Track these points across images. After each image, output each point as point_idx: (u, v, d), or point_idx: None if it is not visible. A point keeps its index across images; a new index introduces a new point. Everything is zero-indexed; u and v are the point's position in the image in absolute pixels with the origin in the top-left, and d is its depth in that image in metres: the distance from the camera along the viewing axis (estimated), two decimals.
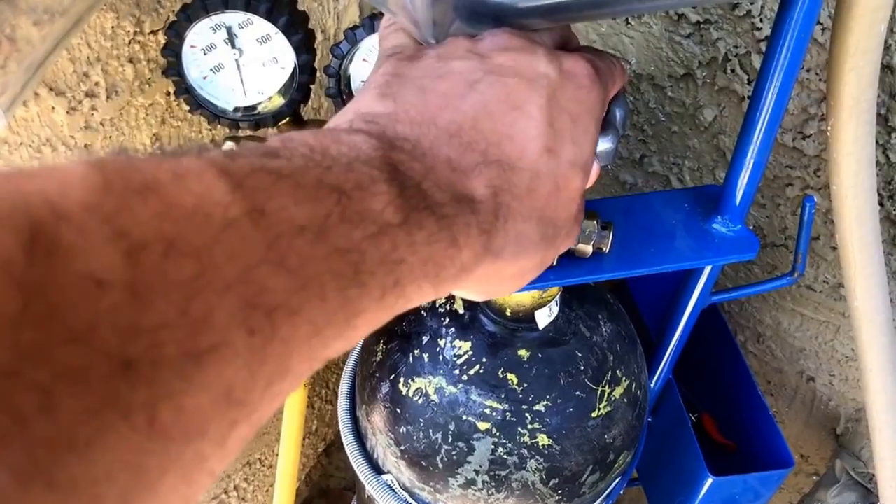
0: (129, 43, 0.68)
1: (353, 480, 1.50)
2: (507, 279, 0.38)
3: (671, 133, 0.82)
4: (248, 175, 0.24)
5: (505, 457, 0.67)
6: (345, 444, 0.79)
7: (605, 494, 0.76)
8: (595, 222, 0.61)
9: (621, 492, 0.80)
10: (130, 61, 0.69)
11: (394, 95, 0.34)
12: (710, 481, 0.79)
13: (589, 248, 0.61)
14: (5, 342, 0.17)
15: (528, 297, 0.65)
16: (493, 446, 0.67)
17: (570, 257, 0.62)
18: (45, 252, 0.18)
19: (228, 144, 0.63)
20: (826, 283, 0.84)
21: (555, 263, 0.62)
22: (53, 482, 0.18)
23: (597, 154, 0.47)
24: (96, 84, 0.67)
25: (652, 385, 0.83)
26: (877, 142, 0.71)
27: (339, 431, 1.42)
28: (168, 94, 0.74)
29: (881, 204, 0.74)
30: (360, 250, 0.26)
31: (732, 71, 0.73)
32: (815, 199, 0.68)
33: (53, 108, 0.64)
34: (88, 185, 0.20)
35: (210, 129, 0.82)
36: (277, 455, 1.22)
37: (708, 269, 0.70)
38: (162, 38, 0.70)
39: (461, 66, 0.36)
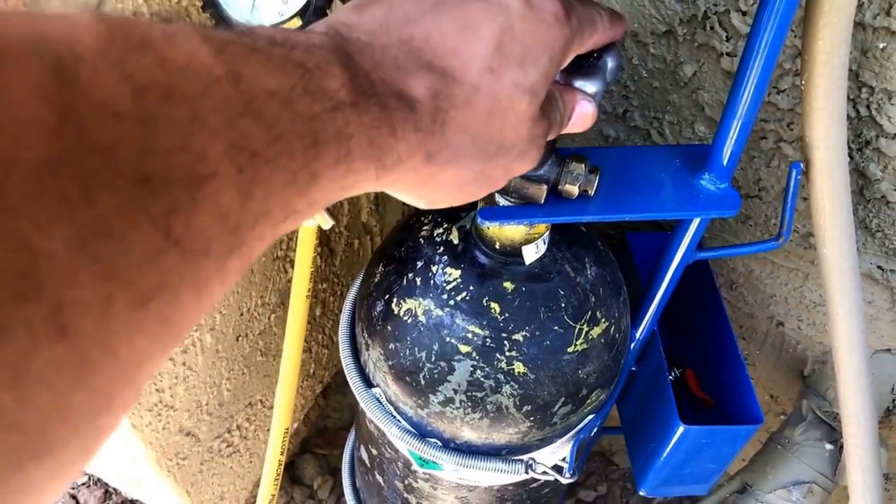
0: None
1: (349, 421, 1.56)
2: (442, 186, 0.41)
3: (652, 89, 0.86)
4: (227, 44, 0.28)
5: (482, 380, 0.72)
6: (342, 358, 0.84)
7: (577, 428, 0.81)
8: (583, 165, 0.65)
9: (593, 431, 0.84)
10: (134, 14, 0.71)
11: (364, 8, 0.38)
12: (680, 430, 0.83)
13: (575, 190, 0.65)
14: (50, 143, 0.21)
15: (516, 233, 0.70)
16: (471, 369, 0.71)
17: (557, 197, 0.67)
18: (68, 82, 0.22)
19: None
20: (796, 233, 0.89)
21: (542, 202, 0.66)
22: (97, 256, 0.21)
23: (585, 93, 0.52)
24: None
25: (637, 335, 0.87)
26: (847, 96, 0.75)
27: (335, 374, 1.47)
28: None
29: (850, 156, 0.79)
30: (320, 119, 0.30)
31: (712, 28, 0.76)
32: (801, 166, 0.72)
33: None
34: (97, 34, 0.23)
35: None
36: None
37: (694, 224, 0.74)
38: None
39: None
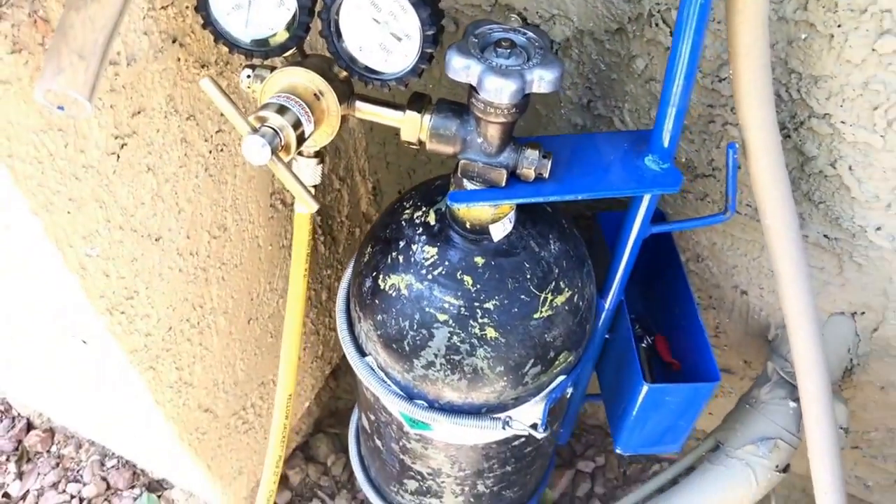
0: (144, 18, 0.79)
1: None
2: None
3: (611, 80, 0.94)
4: None
5: (459, 344, 0.81)
6: (339, 331, 0.94)
7: (548, 389, 0.89)
8: (537, 152, 0.75)
9: (566, 392, 0.93)
10: (145, 33, 0.80)
11: None
12: (644, 388, 0.92)
13: (531, 173, 0.75)
14: None
15: (484, 213, 0.79)
16: (449, 335, 0.81)
17: (517, 180, 0.76)
18: None
19: (246, 72, 0.77)
20: (750, 206, 0.97)
21: (503, 185, 0.76)
22: None
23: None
24: (118, 53, 0.78)
25: (606, 305, 0.96)
26: (780, 81, 0.83)
27: (343, 357, 1.57)
28: (178, 59, 0.86)
29: (789, 136, 0.87)
30: None
31: (657, 24, 0.85)
32: (737, 145, 0.81)
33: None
34: None
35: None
36: None
37: (646, 201, 0.83)
38: (171, 12, 0.82)
39: None
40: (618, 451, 1.04)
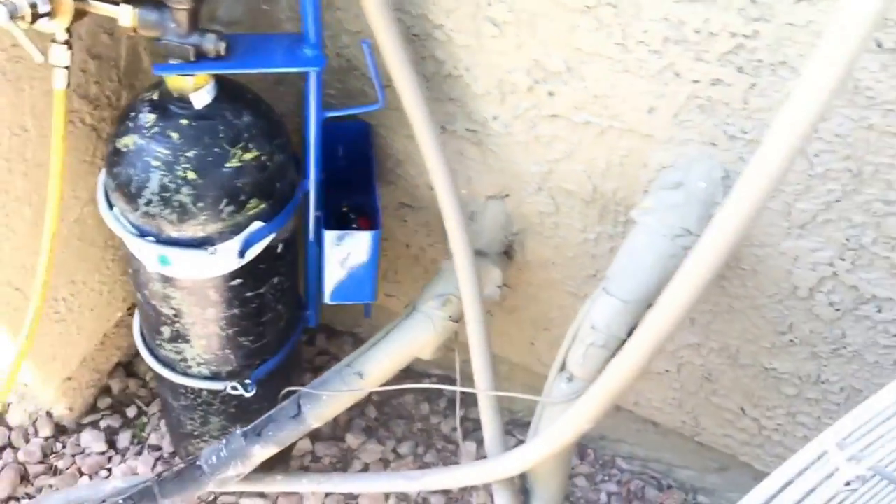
0: None
1: None
2: None
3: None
4: None
5: (168, 184, 1.11)
6: (98, 196, 1.23)
7: (246, 231, 1.18)
8: (215, 35, 1.07)
9: (272, 238, 1.23)
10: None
11: None
12: (325, 234, 1.24)
13: (212, 50, 1.07)
14: None
15: (185, 84, 1.10)
16: (161, 177, 1.11)
17: (205, 58, 1.07)
18: None
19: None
20: None
21: (192, 59, 1.07)
22: None
23: None
24: None
25: (310, 184, 1.27)
26: (404, 7, 1.16)
27: None
28: None
29: (424, 45, 1.18)
30: None
31: None
32: (370, 41, 1.13)
33: None
34: None
35: None
36: (100, 282, 1.65)
37: (313, 84, 1.16)
38: None
39: None
40: (326, 301, 1.34)
